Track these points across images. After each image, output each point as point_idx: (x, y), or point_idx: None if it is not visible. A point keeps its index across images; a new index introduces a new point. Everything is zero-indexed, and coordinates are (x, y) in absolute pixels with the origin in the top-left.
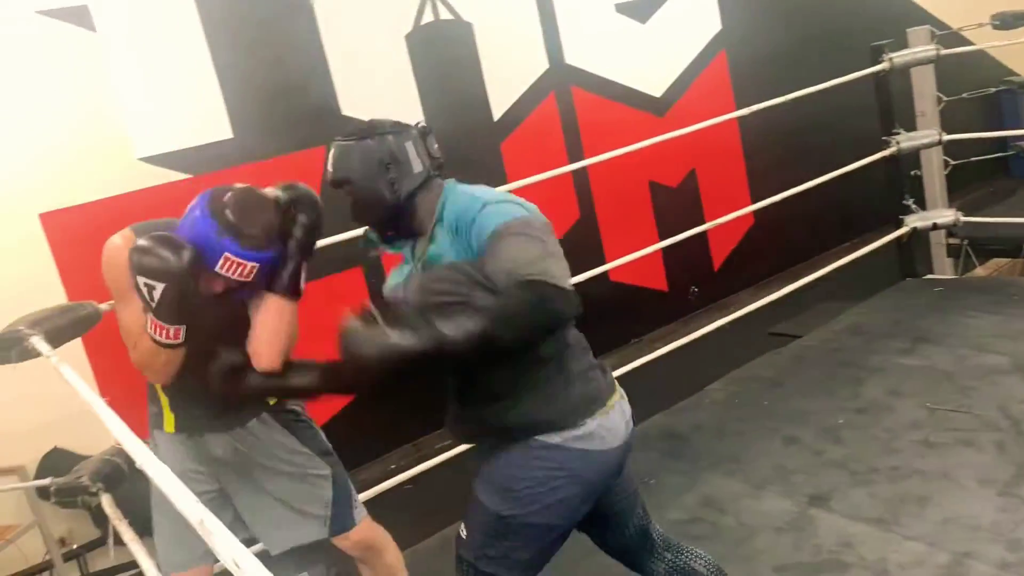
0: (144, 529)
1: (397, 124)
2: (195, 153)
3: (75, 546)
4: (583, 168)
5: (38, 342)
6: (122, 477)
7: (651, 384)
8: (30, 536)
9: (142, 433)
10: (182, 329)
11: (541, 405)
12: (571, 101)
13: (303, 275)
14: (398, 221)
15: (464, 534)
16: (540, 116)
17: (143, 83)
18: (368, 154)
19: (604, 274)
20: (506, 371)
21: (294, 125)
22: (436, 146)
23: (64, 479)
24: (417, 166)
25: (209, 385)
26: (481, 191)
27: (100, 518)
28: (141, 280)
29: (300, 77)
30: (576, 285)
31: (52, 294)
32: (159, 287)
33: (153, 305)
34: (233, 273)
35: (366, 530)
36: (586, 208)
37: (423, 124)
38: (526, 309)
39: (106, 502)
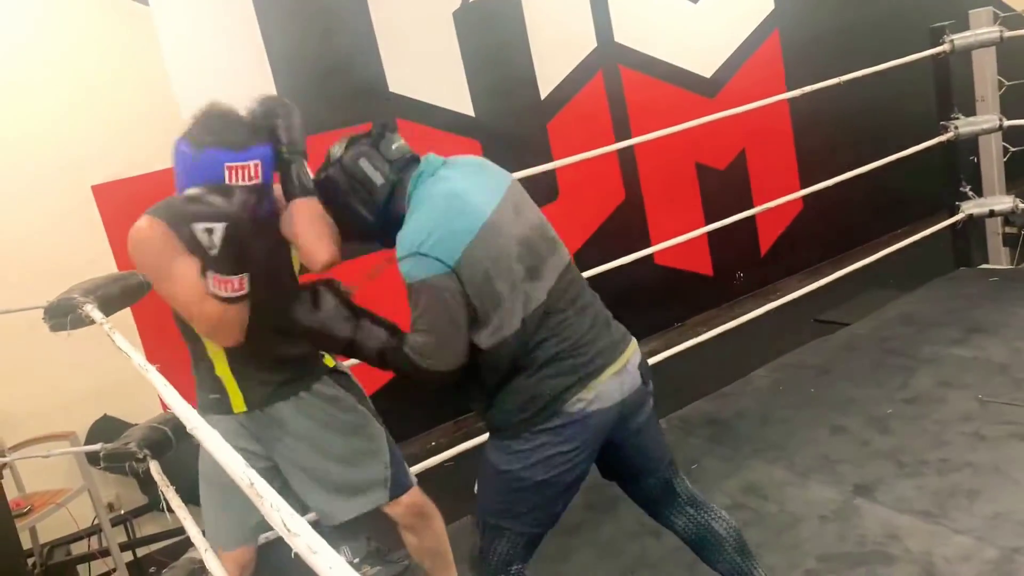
0: (190, 496)
1: (350, 141)
2: None
3: (122, 511)
4: (630, 149)
5: (92, 310)
6: (169, 445)
7: (695, 369)
8: (79, 501)
9: (190, 399)
10: (246, 278)
11: (499, 415)
12: (619, 80)
13: (307, 171)
14: (387, 230)
15: (477, 490)
16: (587, 95)
17: (194, 57)
18: (335, 185)
19: (649, 257)
20: (473, 382)
21: (342, 101)
22: (395, 145)
23: (113, 445)
24: (378, 178)
25: (273, 347)
26: (413, 223)
27: (147, 485)
28: (200, 226)
29: (348, 54)
30: (621, 268)
31: (103, 264)
32: (219, 228)
33: (215, 252)
34: (243, 179)
35: (418, 494)
36: (632, 190)
37: (376, 127)
38: (392, 366)
39: (154, 468)
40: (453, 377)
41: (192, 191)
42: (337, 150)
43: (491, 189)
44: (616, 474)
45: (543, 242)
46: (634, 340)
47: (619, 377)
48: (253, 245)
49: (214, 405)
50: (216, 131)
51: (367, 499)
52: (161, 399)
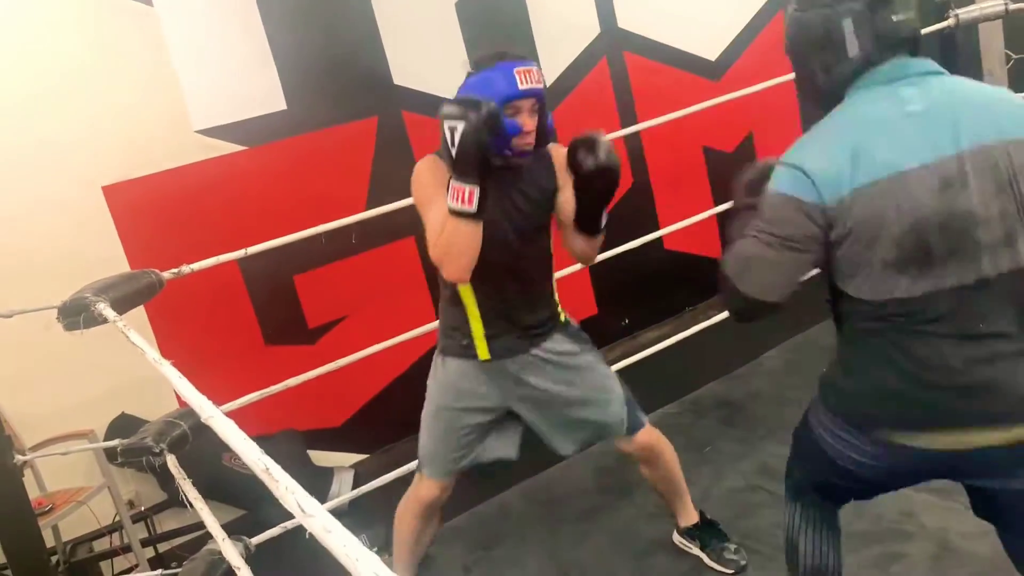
0: (208, 491)
1: None
2: (250, 125)
3: (143, 508)
4: (636, 134)
5: (105, 309)
6: (185, 439)
7: (707, 352)
8: (100, 498)
9: (208, 393)
10: (476, 192)
11: (836, 392)
12: (624, 66)
13: (602, 220)
14: (827, 102)
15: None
16: (592, 82)
17: (199, 57)
18: (803, 31)
19: (659, 241)
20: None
21: (347, 96)
22: (896, 17)
23: (130, 440)
24: (853, 49)
25: (516, 311)
26: (821, 128)
27: (166, 481)
28: (447, 125)
29: (352, 48)
30: (631, 253)
31: (116, 264)
32: (459, 127)
33: (454, 151)
34: (531, 81)
35: (649, 432)
36: (640, 175)
37: None
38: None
39: (171, 462)
40: (757, 311)
41: (451, 99)
42: None
43: (942, 135)
44: (991, 519)
45: (967, 238)
46: None
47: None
48: (491, 162)
49: (462, 351)
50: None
51: (602, 430)
52: (177, 394)
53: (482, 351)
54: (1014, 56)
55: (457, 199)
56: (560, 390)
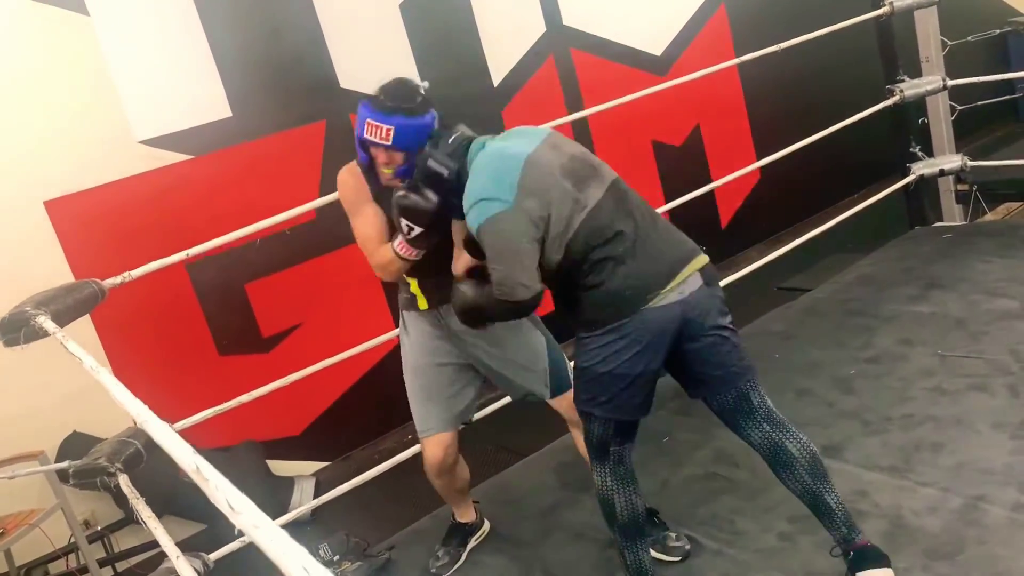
0: (166, 507)
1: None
2: (195, 134)
3: (99, 527)
4: (585, 130)
5: (45, 321)
6: (140, 458)
7: None
8: (54, 520)
9: (153, 405)
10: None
11: (577, 317)
12: (571, 64)
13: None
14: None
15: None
16: (540, 80)
17: (139, 66)
18: (432, 185)
19: None
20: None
21: (293, 101)
22: (451, 139)
23: (82, 461)
24: (444, 171)
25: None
26: (470, 183)
27: (122, 499)
28: (404, 222)
29: (297, 52)
30: None
31: (62, 279)
32: (416, 229)
33: (409, 238)
34: (375, 136)
35: None
36: None
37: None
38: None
39: (123, 482)
40: (535, 301)
41: (400, 193)
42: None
43: (527, 140)
44: (692, 383)
45: (583, 167)
46: (702, 254)
47: (681, 285)
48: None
49: (408, 303)
50: (385, 94)
51: (531, 385)
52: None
53: (421, 302)
54: (950, 42)
55: (407, 254)
56: (493, 351)
